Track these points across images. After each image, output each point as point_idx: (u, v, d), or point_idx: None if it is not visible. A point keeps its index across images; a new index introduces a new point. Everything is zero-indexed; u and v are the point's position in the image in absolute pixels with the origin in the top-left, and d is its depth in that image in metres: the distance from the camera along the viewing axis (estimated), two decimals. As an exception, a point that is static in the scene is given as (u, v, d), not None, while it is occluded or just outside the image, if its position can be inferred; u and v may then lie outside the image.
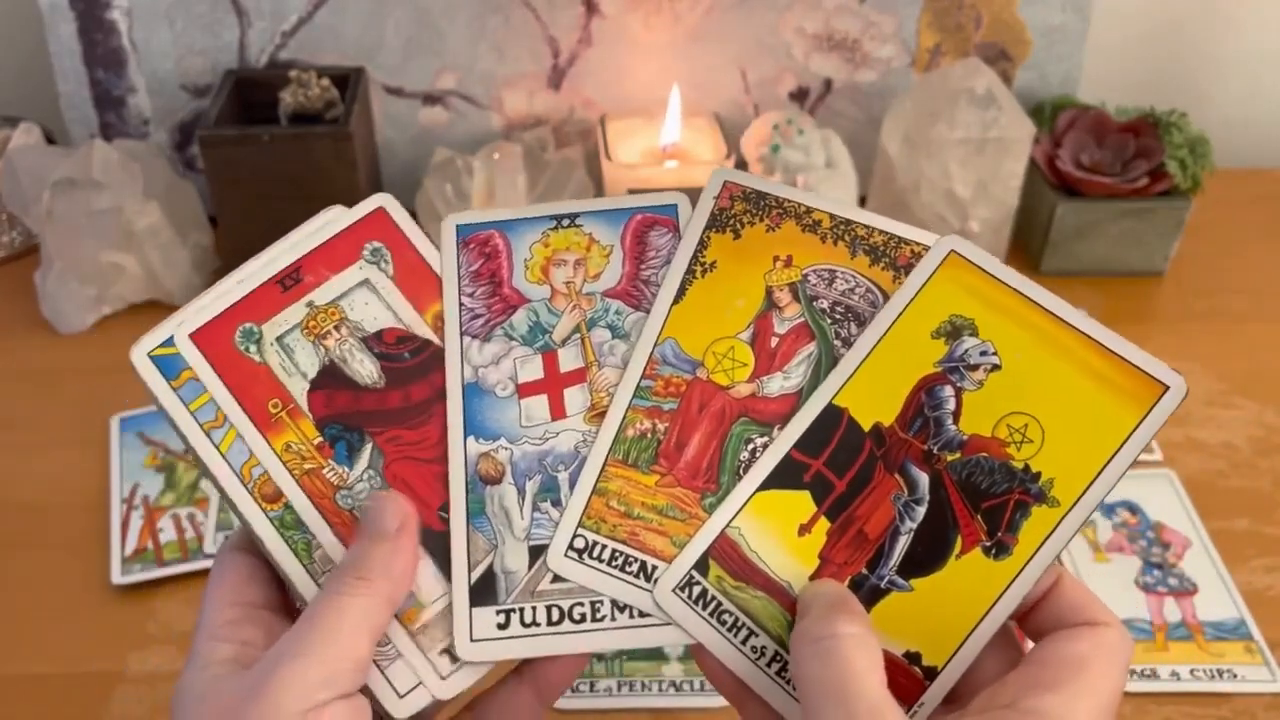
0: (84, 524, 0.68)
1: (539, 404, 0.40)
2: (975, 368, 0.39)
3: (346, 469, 0.39)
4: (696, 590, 0.38)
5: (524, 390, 0.40)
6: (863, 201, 0.88)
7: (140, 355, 0.40)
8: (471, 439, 0.40)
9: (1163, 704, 0.59)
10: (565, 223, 0.43)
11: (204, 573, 0.65)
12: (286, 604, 0.39)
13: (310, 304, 0.41)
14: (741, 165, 0.86)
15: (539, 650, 0.37)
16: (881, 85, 0.93)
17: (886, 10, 0.90)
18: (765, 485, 0.39)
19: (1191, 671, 0.60)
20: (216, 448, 0.39)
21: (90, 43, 0.87)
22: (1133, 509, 0.69)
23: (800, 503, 0.38)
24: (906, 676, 0.37)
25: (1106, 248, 0.88)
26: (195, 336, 0.40)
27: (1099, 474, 0.37)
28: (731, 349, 0.41)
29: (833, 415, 0.39)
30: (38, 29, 0.88)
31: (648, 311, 0.42)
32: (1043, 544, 0.37)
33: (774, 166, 0.83)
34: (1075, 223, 0.87)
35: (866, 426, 0.39)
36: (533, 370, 0.41)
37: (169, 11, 0.87)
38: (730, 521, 0.38)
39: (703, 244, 0.42)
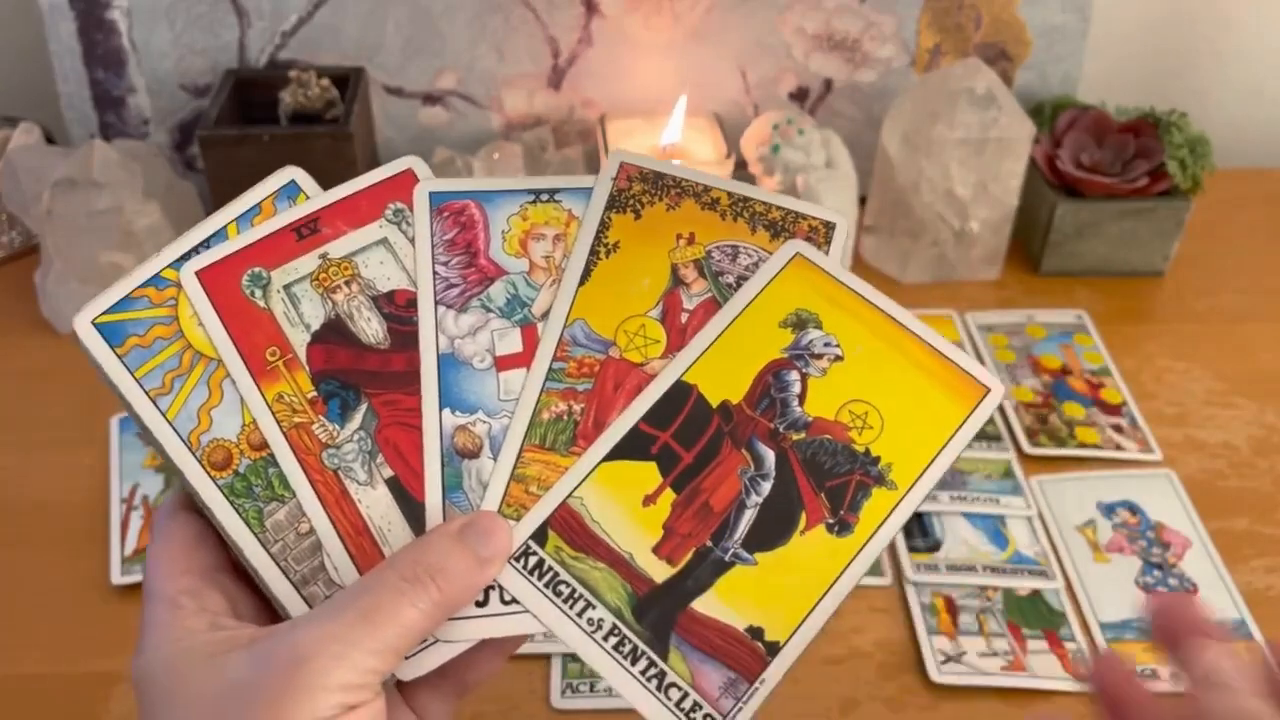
0: (84, 524, 0.68)
1: (518, 377, 0.40)
2: (820, 356, 0.40)
3: (337, 427, 0.38)
4: (533, 561, 0.37)
5: (502, 363, 0.40)
6: (863, 201, 0.88)
7: (84, 323, 0.39)
8: (447, 411, 0.39)
9: (1163, 704, 0.59)
10: (544, 197, 0.43)
11: (204, 573, 0.65)
12: (235, 563, 0.38)
13: (324, 256, 0.40)
14: (741, 165, 0.86)
15: (522, 628, 0.37)
16: (881, 85, 0.93)
17: (886, 10, 0.90)
18: (611, 456, 0.39)
19: (1191, 671, 0.60)
20: (163, 415, 0.38)
21: (90, 43, 0.87)
22: (1133, 509, 0.69)
23: (646, 474, 0.39)
24: (749, 651, 0.37)
25: (1106, 248, 0.88)
26: (202, 274, 0.39)
27: (931, 462, 0.39)
28: (643, 326, 0.41)
29: (681, 391, 0.40)
30: (38, 29, 0.88)
31: None
32: (882, 524, 0.39)
33: (774, 167, 0.83)
34: (1075, 223, 0.87)
35: (715, 403, 0.40)
36: (511, 343, 0.40)
37: (169, 11, 0.87)
38: (572, 491, 0.38)
39: (604, 225, 0.42)
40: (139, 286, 0.40)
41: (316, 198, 0.41)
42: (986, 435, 0.73)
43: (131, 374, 0.38)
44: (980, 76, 0.83)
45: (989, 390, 0.40)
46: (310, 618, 0.34)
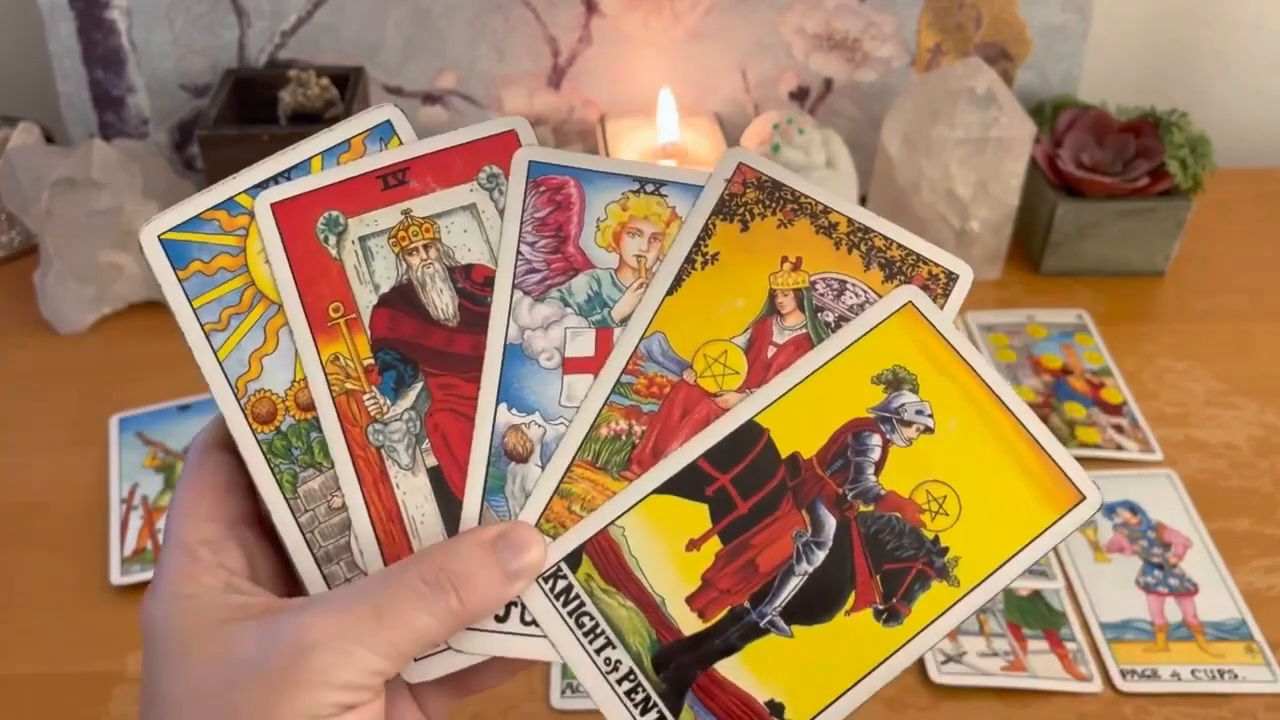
0: (84, 524, 0.68)
1: (583, 384, 0.37)
2: (909, 424, 0.37)
3: (389, 402, 0.36)
4: (561, 584, 0.35)
5: (570, 365, 0.37)
6: (863, 201, 0.88)
7: (150, 236, 0.36)
8: (504, 407, 0.36)
9: (1163, 704, 0.59)
10: (649, 188, 0.39)
11: (204, 573, 0.65)
12: (260, 515, 0.36)
13: (407, 212, 0.37)
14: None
15: (537, 653, 0.35)
16: (881, 85, 0.93)
17: (886, 10, 0.90)
18: (663, 489, 0.36)
19: (1192, 672, 0.60)
20: (214, 353, 0.36)
21: (90, 42, 0.87)
22: (1133, 509, 0.69)
23: (696, 515, 0.36)
24: None
25: (1107, 248, 0.88)
26: (278, 208, 0.37)
27: (1002, 565, 0.36)
28: (725, 353, 0.38)
29: (752, 432, 0.37)
30: (37, 28, 0.88)
31: None
32: (934, 620, 0.35)
33: (774, 166, 0.83)
34: (1076, 223, 0.87)
35: (784, 453, 0.36)
36: (584, 345, 0.37)
37: (168, 11, 0.87)
38: (616, 519, 0.36)
39: (707, 231, 0.38)
40: (211, 208, 0.37)
41: (410, 145, 0.38)
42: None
43: (190, 303, 0.36)
44: (981, 76, 0.83)
45: (1084, 498, 0.36)
46: (322, 603, 0.32)
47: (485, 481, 0.36)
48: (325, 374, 0.36)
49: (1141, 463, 0.73)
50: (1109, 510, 0.69)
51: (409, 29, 0.89)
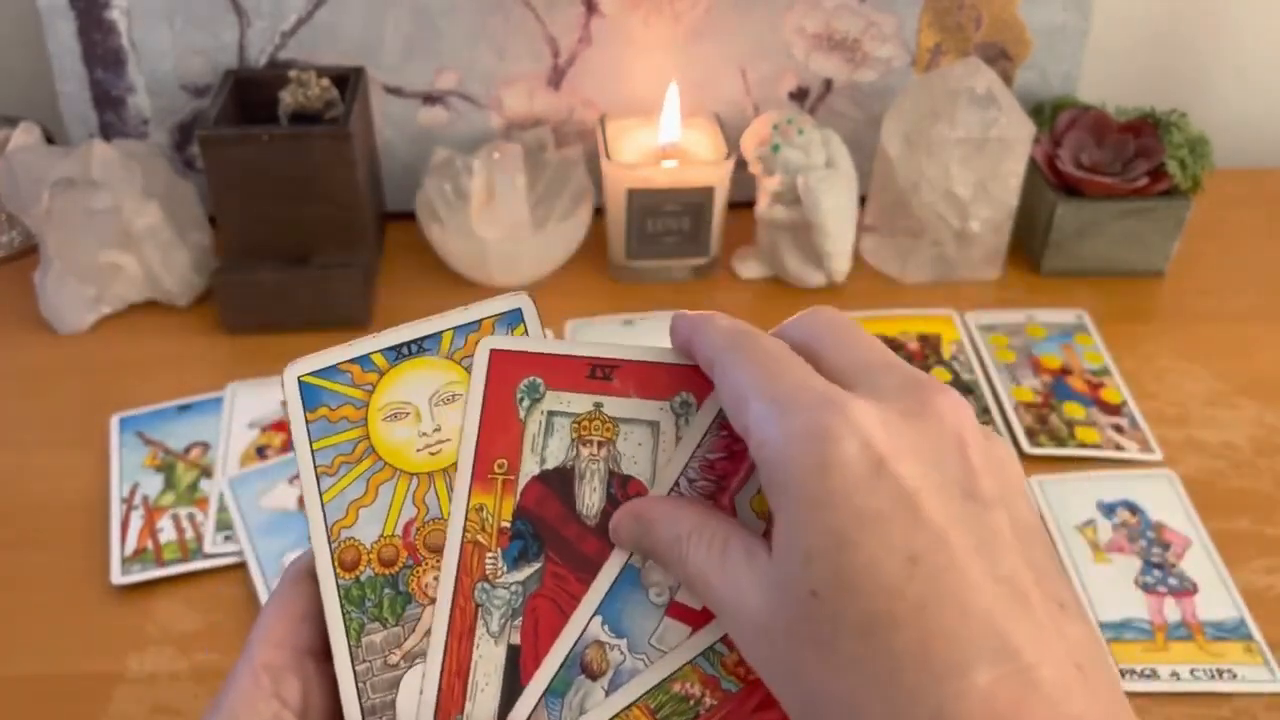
0: (84, 524, 0.68)
1: (679, 633, 0.36)
2: None
3: (505, 569, 0.37)
4: None
5: (674, 610, 0.36)
6: (863, 201, 0.88)
7: (291, 376, 0.39)
8: (598, 620, 0.36)
9: (1163, 704, 0.59)
10: None
11: (203, 573, 0.66)
12: (326, 648, 0.38)
13: (599, 405, 0.39)
14: (741, 165, 0.86)
15: None
16: (881, 85, 0.93)
17: (887, 10, 0.90)
18: None
19: (1191, 671, 0.60)
20: (319, 495, 0.38)
21: (89, 42, 0.87)
22: (1133, 509, 0.69)
23: None
24: None
25: (1107, 248, 0.88)
26: (495, 354, 0.39)
27: None
28: None
29: None
30: (37, 28, 0.88)
31: None
32: None
33: (774, 166, 0.83)
34: (1075, 223, 0.87)
35: None
36: (696, 598, 0.37)
37: (168, 11, 0.87)
38: None
39: None
40: (348, 360, 0.39)
41: (626, 348, 0.39)
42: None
43: (310, 443, 0.39)
44: (980, 76, 0.83)
45: None
46: None
47: (552, 681, 0.36)
48: (466, 518, 0.38)
49: (1141, 463, 0.73)
50: (1109, 510, 0.69)
51: (409, 29, 0.89)
